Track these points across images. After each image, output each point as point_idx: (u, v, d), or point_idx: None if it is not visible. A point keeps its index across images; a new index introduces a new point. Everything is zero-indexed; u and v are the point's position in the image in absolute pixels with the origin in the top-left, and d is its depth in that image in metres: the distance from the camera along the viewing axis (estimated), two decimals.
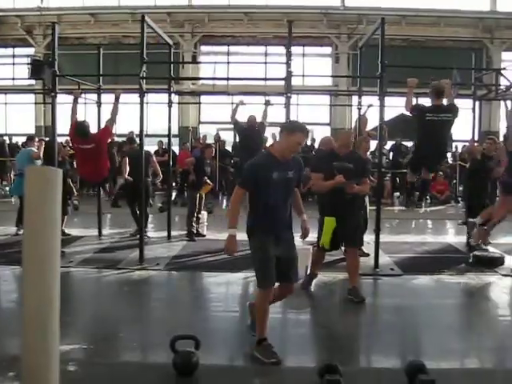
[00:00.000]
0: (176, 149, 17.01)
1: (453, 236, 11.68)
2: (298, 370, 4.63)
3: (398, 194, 18.24)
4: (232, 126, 11.19)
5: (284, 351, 5.32)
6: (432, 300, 6.65)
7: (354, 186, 6.55)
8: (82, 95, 10.52)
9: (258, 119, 10.47)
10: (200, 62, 21.23)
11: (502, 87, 9.95)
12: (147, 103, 9.17)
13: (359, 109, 10.75)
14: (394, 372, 4.29)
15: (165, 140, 15.16)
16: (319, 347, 5.35)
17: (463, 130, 12.54)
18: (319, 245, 6.83)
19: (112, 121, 9.17)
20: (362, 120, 10.04)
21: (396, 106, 13.41)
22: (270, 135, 10.88)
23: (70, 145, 11.97)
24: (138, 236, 8.68)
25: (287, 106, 8.49)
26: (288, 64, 8.19)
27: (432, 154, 7.90)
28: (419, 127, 7.88)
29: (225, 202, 17.51)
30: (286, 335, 5.73)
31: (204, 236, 10.55)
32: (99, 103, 10.73)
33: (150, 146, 17.66)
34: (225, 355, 4.95)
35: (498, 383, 4.47)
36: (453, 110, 7.82)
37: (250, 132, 10.45)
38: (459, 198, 17.84)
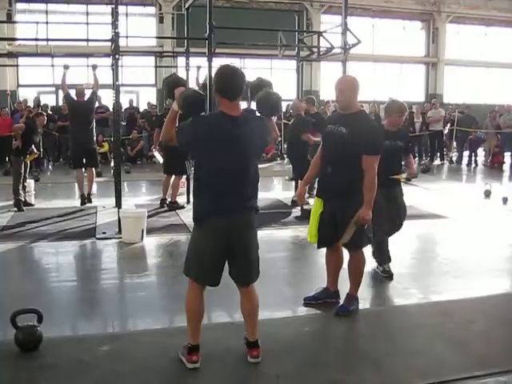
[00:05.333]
0: None
1: (280, 192, 12.19)
2: (147, 333, 4.67)
3: None
4: (60, 91, 11.01)
5: (128, 315, 5.37)
6: (265, 254, 6.89)
7: None
8: None
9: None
10: (16, 22, 19.87)
11: (322, 49, 10.44)
12: None
13: (187, 70, 10.80)
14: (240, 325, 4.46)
15: None
16: (162, 308, 5.41)
17: (287, 88, 13.09)
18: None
19: None
20: None
21: None
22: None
23: None
24: None
25: (115, 67, 8.28)
26: (115, 24, 7.96)
27: None
28: None
29: (50, 168, 16.84)
30: (128, 300, 5.74)
31: (32, 205, 10.11)
32: None
33: None
34: (68, 325, 4.85)
35: (329, 325, 4.85)
36: None
37: (78, 104, 10.31)
38: (284, 155, 18.63)
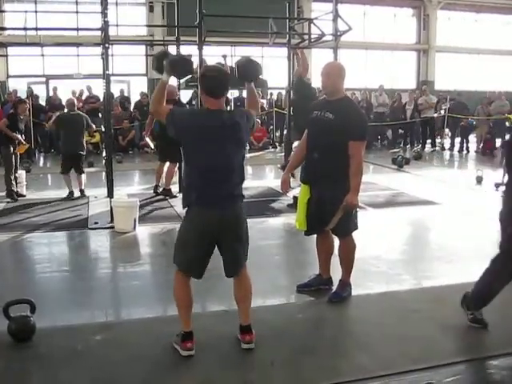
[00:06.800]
0: None
1: (272, 180, 12.19)
2: (141, 321, 4.69)
3: None
4: (50, 81, 10.99)
5: (122, 304, 5.37)
6: (258, 242, 6.89)
7: None
8: None
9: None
10: (4, 11, 19.65)
11: (313, 36, 10.40)
12: None
13: None
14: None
15: None
16: (155, 297, 5.41)
17: (279, 77, 13.05)
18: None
19: None
20: None
21: (215, 55, 13.57)
22: None
23: None
24: None
25: (105, 56, 8.22)
26: (104, 13, 7.89)
27: None
28: None
29: (42, 159, 16.76)
30: (121, 289, 5.76)
31: (24, 196, 10.06)
32: None
33: None
34: (62, 315, 4.82)
35: (322, 312, 4.87)
36: None
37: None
38: (276, 144, 18.66)
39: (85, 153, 10.58)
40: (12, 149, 9.73)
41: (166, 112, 3.95)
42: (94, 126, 10.74)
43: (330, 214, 4.81)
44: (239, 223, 4.03)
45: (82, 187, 10.24)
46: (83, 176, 10.31)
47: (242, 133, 3.99)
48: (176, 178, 10.28)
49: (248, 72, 4.17)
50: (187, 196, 3.99)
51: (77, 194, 9.97)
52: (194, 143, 3.88)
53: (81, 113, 10.93)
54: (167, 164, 9.92)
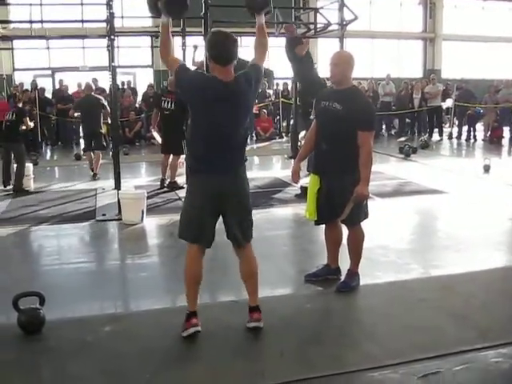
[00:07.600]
0: None
1: (280, 170, 12.19)
2: (150, 313, 4.70)
3: None
4: (56, 74, 11.31)
5: (130, 296, 5.39)
6: (266, 232, 6.90)
7: None
8: None
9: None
10: (9, 4, 19.64)
11: (319, 25, 10.36)
12: None
13: (184, 50, 10.73)
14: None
15: None
16: (164, 288, 5.43)
17: (285, 67, 12.96)
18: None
19: None
20: None
21: None
22: None
23: None
24: None
25: (111, 48, 8.20)
26: (109, 5, 7.86)
27: None
28: None
29: (49, 152, 16.80)
30: (130, 280, 5.77)
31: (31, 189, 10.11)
32: None
33: None
34: (71, 307, 4.83)
35: (330, 302, 4.87)
36: None
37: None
38: (283, 134, 18.63)
39: (103, 131, 11.42)
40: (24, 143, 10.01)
41: (175, 64, 3.92)
42: (108, 109, 10.90)
43: (340, 204, 4.79)
44: (242, 186, 4.04)
45: (96, 170, 11.04)
46: (100, 155, 11.16)
47: (248, 101, 3.98)
48: (183, 169, 10.28)
49: (256, 1, 4.10)
50: (189, 161, 3.99)
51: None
52: (200, 106, 3.86)
53: (97, 96, 11.55)
54: (172, 156, 9.91)
